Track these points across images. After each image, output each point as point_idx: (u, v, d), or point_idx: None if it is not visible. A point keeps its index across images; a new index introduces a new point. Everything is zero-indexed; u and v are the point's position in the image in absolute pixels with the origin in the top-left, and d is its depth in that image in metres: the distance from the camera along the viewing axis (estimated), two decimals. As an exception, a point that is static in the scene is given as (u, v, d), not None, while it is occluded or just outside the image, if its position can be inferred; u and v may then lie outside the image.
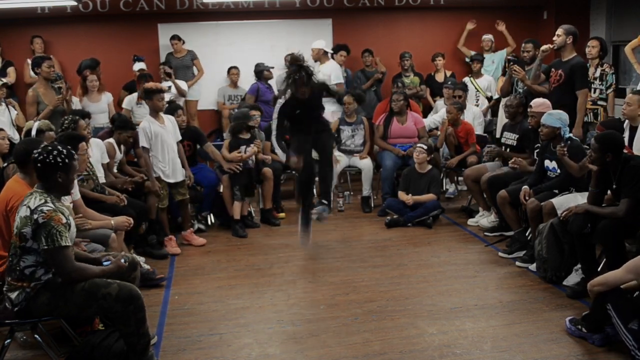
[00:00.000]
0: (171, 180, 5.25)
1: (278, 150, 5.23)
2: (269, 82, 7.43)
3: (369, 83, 7.65)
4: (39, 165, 3.00)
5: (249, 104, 6.63)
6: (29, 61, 6.72)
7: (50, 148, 3.02)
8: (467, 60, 7.79)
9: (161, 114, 5.26)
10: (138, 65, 7.04)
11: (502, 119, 6.74)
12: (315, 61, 7.14)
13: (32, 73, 6.25)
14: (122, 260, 3.29)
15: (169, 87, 6.57)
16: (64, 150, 3.04)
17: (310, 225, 5.12)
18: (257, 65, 7.44)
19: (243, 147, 5.79)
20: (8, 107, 5.56)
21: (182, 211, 5.48)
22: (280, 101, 5.09)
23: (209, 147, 5.87)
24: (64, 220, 2.95)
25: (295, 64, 4.72)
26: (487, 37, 7.94)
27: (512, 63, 5.95)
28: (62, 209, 3.01)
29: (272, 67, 7.37)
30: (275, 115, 5.08)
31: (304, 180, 5.12)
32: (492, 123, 7.29)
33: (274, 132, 5.15)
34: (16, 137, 5.32)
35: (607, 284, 3.23)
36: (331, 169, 5.23)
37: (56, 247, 2.88)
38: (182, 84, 7.13)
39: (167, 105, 5.78)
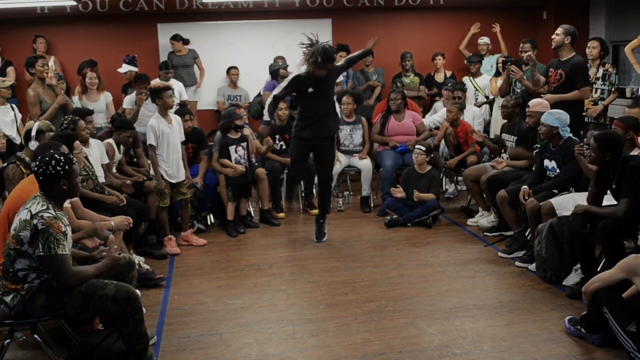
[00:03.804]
0: (173, 181, 5.26)
1: (265, 111, 5.14)
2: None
3: (365, 87, 7.61)
4: (40, 177, 3.00)
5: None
6: None
7: (47, 158, 3.00)
8: (466, 62, 7.78)
9: (170, 113, 5.25)
10: (125, 67, 7.02)
11: (496, 119, 6.75)
12: None
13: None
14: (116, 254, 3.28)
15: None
16: (62, 157, 3.02)
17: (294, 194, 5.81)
18: (273, 65, 7.43)
19: (232, 148, 5.79)
20: (12, 107, 5.57)
21: (182, 211, 5.48)
22: (295, 73, 5.13)
23: (203, 154, 5.88)
24: (63, 229, 2.94)
25: (321, 46, 4.84)
26: (483, 40, 7.89)
27: (509, 63, 5.95)
28: (62, 217, 3.01)
29: (287, 66, 7.37)
30: (284, 84, 5.04)
31: (293, 177, 5.69)
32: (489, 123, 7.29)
33: (273, 94, 5.08)
34: (18, 138, 5.32)
35: (600, 281, 3.26)
36: (329, 188, 5.44)
37: (52, 255, 2.87)
38: (180, 86, 7.11)
39: (177, 107, 5.79)
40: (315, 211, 6.32)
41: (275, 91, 5.11)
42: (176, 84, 7.01)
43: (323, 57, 4.77)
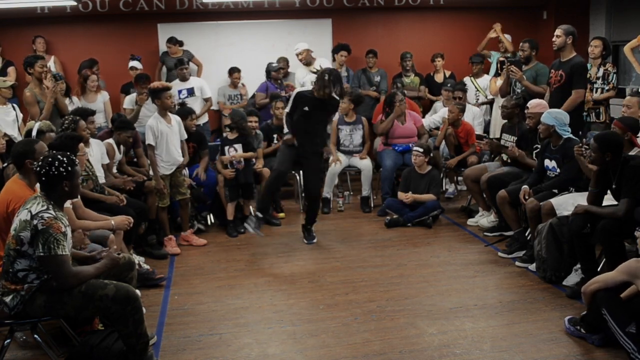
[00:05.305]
0: (172, 169, 5.25)
1: (285, 125, 5.40)
2: (278, 81, 7.42)
3: (365, 93, 7.58)
4: (43, 178, 2.98)
5: (250, 109, 6.60)
6: None
7: (50, 159, 2.99)
8: (489, 59, 7.71)
9: (169, 113, 5.25)
10: (133, 63, 7.02)
11: (496, 119, 6.74)
12: (306, 64, 7.14)
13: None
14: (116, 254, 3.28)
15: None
16: (65, 159, 3.02)
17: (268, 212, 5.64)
18: (268, 65, 7.44)
19: (227, 148, 5.79)
20: (14, 107, 5.58)
21: (182, 211, 5.47)
22: (300, 89, 5.40)
23: (204, 154, 5.88)
24: (63, 229, 2.93)
25: (333, 71, 5.20)
26: (506, 37, 7.81)
27: (509, 64, 5.94)
28: (62, 218, 3.00)
29: (282, 68, 7.42)
30: (292, 97, 5.29)
31: (273, 178, 5.41)
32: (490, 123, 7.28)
33: (287, 109, 5.33)
34: (20, 138, 5.32)
35: (600, 282, 3.26)
36: (317, 206, 5.51)
37: (52, 255, 2.87)
38: (202, 83, 7.16)
39: (178, 107, 5.79)
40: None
41: (287, 109, 5.34)
42: (199, 81, 7.05)
43: (333, 75, 5.07)
